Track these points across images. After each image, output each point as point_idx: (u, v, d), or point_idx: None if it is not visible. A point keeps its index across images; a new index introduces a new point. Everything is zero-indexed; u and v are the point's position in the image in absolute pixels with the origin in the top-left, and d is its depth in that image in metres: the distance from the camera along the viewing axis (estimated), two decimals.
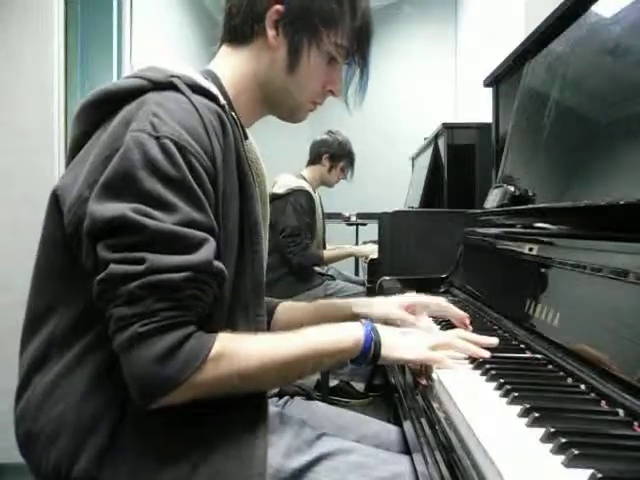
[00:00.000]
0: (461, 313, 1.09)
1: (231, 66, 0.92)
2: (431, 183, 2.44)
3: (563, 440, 0.53)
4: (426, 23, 4.77)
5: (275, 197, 2.81)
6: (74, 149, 0.84)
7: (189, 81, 0.79)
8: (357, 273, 3.83)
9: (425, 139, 2.81)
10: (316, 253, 2.87)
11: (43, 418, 0.78)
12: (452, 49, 4.33)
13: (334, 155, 2.95)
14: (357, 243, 3.97)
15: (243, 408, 0.79)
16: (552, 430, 0.56)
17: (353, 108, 1.00)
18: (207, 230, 0.73)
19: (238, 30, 0.91)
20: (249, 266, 0.83)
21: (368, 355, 0.82)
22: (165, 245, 0.69)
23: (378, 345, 0.83)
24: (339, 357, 0.83)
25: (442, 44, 4.45)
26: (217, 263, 0.74)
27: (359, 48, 0.94)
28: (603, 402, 0.67)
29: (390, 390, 1.21)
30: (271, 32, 0.88)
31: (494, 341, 0.88)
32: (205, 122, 0.76)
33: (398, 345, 0.84)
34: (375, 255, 2.51)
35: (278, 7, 0.88)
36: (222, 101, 0.82)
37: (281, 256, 2.77)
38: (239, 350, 0.74)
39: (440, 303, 1.11)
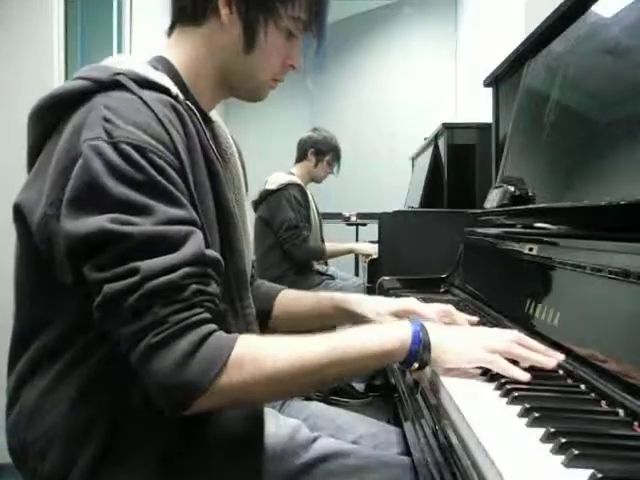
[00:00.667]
0: (471, 319, 1.02)
1: (185, 50, 0.87)
2: (431, 183, 2.44)
3: (563, 440, 0.53)
4: (426, 23, 4.77)
5: (268, 193, 2.84)
6: (31, 157, 0.81)
7: (135, 76, 0.75)
8: (357, 273, 3.83)
9: (425, 139, 2.80)
10: (317, 246, 2.89)
11: (33, 432, 0.77)
12: (452, 49, 4.33)
13: (319, 150, 3.00)
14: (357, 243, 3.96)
15: (239, 420, 0.78)
16: (552, 430, 0.56)
17: (313, 77, 0.96)
18: (189, 223, 0.71)
19: (188, 10, 0.85)
20: (228, 256, 0.80)
21: (417, 358, 0.75)
22: (153, 248, 0.67)
23: (427, 347, 0.75)
24: (383, 359, 0.76)
25: (442, 44, 4.45)
26: (209, 251, 0.72)
27: (317, 19, 0.87)
28: (603, 402, 0.67)
29: (390, 390, 1.21)
30: (224, 10, 0.83)
31: (559, 356, 0.77)
32: (159, 117, 0.72)
33: (450, 349, 0.76)
34: (375, 255, 2.51)
35: None
36: (174, 91, 0.78)
37: (280, 253, 2.78)
38: (263, 351, 0.70)
39: (446, 310, 1.01)
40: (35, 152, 0.80)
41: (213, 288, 0.72)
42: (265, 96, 0.93)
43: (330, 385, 0.87)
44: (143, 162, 0.69)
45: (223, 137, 0.99)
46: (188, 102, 0.80)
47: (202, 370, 0.66)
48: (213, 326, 0.69)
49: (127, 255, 0.66)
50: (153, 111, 0.72)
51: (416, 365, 0.76)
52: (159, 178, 0.69)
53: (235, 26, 0.84)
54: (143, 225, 0.67)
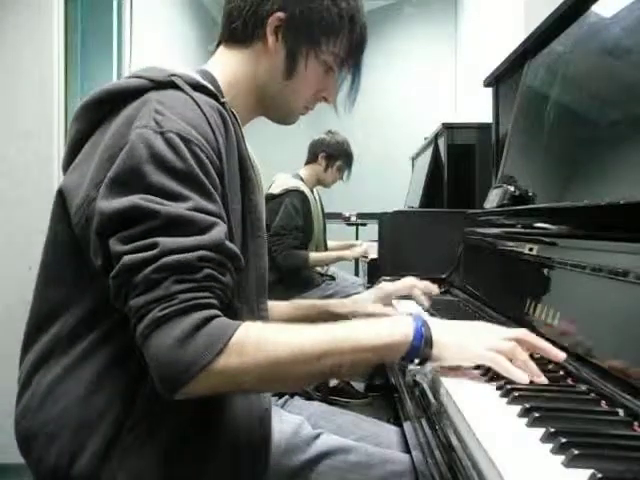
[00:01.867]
0: (430, 286, 1.17)
1: (228, 67, 0.93)
2: (431, 183, 2.44)
3: (563, 440, 0.53)
4: (426, 23, 4.78)
5: (271, 197, 2.81)
6: (74, 147, 0.84)
7: (189, 79, 0.80)
8: (357, 273, 3.83)
9: (425, 139, 2.80)
10: (300, 254, 2.79)
11: (44, 416, 0.78)
12: (452, 49, 4.33)
13: (331, 155, 2.94)
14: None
15: (245, 420, 0.79)
16: (552, 430, 0.56)
17: (343, 113, 1.02)
18: (217, 216, 0.73)
19: (238, 32, 0.92)
20: (252, 260, 0.83)
21: (418, 353, 0.75)
22: (177, 228, 0.69)
23: (429, 342, 0.75)
24: (383, 353, 0.76)
25: (442, 44, 4.45)
26: (231, 245, 0.74)
27: (354, 59, 0.95)
28: (603, 402, 0.67)
29: (390, 390, 1.21)
30: (271, 37, 0.90)
31: (561, 356, 0.76)
32: (208, 117, 0.76)
33: (452, 345, 0.76)
34: (374, 255, 2.51)
35: (280, 14, 0.89)
36: (222, 98, 0.83)
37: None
38: (267, 336, 0.71)
39: (406, 283, 1.19)
40: (78, 144, 0.83)
41: (227, 279, 0.73)
42: (295, 122, 1.01)
43: (330, 378, 0.87)
44: (186, 152, 0.72)
45: (249, 151, 1.04)
46: (233, 110, 0.85)
47: (201, 350, 0.66)
48: (217, 312, 0.70)
49: (151, 231, 0.69)
50: (203, 112, 0.77)
51: (417, 360, 0.76)
52: (198, 171, 0.72)
53: (279, 52, 0.91)
54: (172, 207, 0.70)
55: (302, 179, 2.92)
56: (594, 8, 1.12)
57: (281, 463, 0.83)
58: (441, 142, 2.36)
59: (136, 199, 0.69)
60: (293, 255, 2.75)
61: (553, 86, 1.23)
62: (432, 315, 1.15)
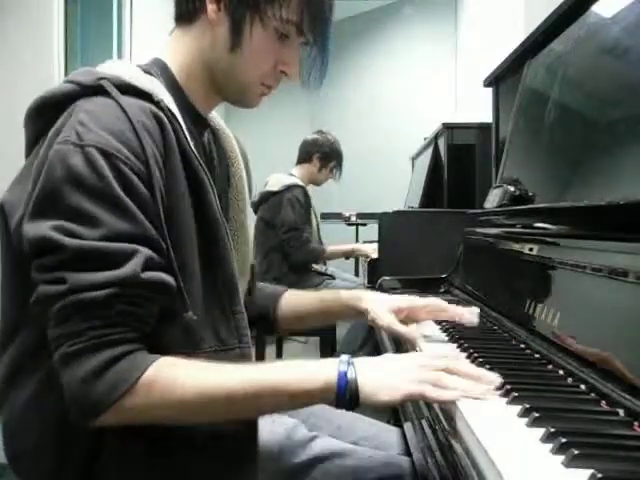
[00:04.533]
0: (459, 311, 1.01)
1: (178, 50, 0.87)
2: (431, 183, 2.44)
3: (563, 440, 0.53)
4: (426, 23, 4.77)
5: (270, 195, 2.83)
6: (27, 157, 0.82)
7: (118, 81, 0.76)
8: (357, 273, 3.83)
9: (425, 139, 2.80)
10: (318, 248, 2.88)
11: (22, 441, 0.78)
12: (452, 49, 4.33)
13: (326, 155, 2.98)
14: (357, 243, 3.96)
15: (230, 439, 0.78)
16: (552, 430, 0.56)
17: (313, 91, 0.93)
18: (137, 240, 0.70)
19: (182, 8, 0.86)
20: (215, 262, 0.81)
21: (344, 401, 0.70)
22: (87, 263, 0.67)
23: (355, 387, 0.70)
24: (303, 399, 0.73)
25: (442, 44, 4.45)
26: (150, 274, 0.70)
27: (312, 24, 0.84)
28: (603, 402, 0.67)
29: None
30: (211, 6, 0.82)
31: (495, 380, 0.71)
32: (134, 124, 0.72)
33: (380, 387, 0.70)
34: (375, 255, 2.51)
35: None
36: (157, 97, 0.78)
37: (281, 255, 2.77)
38: (175, 378, 0.70)
39: (438, 304, 1.02)
40: (28, 152, 0.82)
41: (146, 309, 0.71)
42: (255, 102, 0.90)
43: (252, 418, 0.82)
44: (106, 169, 0.69)
45: (227, 142, 0.99)
46: (170, 108, 0.79)
47: (104, 392, 0.66)
48: (132, 346, 0.69)
49: (60, 264, 0.68)
50: (129, 118, 0.72)
51: (346, 408, 0.71)
52: (117, 189, 0.69)
53: (222, 23, 0.83)
54: (84, 238, 0.68)
55: (297, 178, 2.94)
56: (594, 8, 1.12)
57: (274, 467, 0.82)
58: (441, 142, 2.36)
59: (47, 229, 0.68)
60: (311, 250, 2.80)
61: (553, 86, 1.23)
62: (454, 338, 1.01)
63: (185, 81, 0.87)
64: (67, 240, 0.67)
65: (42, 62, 2.19)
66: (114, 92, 0.75)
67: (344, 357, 0.73)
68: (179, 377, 0.70)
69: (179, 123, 0.80)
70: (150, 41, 3.17)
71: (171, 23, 0.91)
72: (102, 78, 0.76)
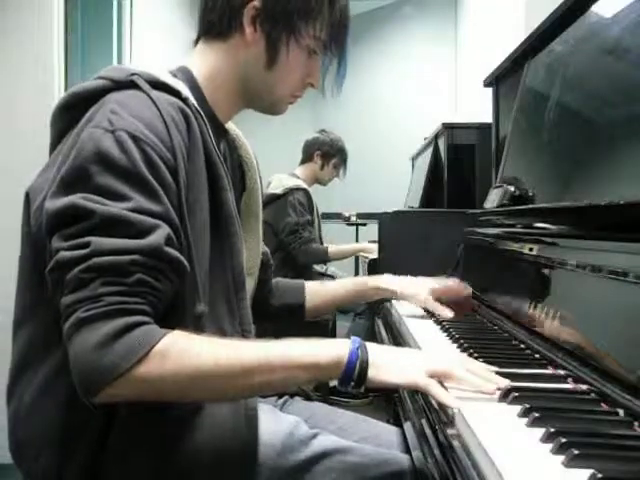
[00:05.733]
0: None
1: (207, 62, 0.91)
2: (431, 183, 2.43)
3: (563, 440, 0.53)
4: (426, 23, 4.77)
5: (274, 197, 2.83)
6: (51, 151, 0.84)
7: (149, 77, 0.80)
8: (357, 273, 3.83)
9: (425, 139, 2.80)
10: (321, 248, 2.89)
11: (29, 432, 0.78)
12: (452, 49, 4.33)
13: (326, 152, 2.98)
14: (357, 243, 3.96)
15: (230, 437, 0.78)
16: (552, 430, 0.56)
17: (331, 98, 0.99)
18: (161, 218, 0.72)
19: (215, 25, 0.90)
20: (227, 255, 0.83)
21: (352, 375, 0.73)
22: (114, 229, 0.68)
23: (364, 365, 0.73)
24: (315, 373, 0.74)
25: (442, 44, 4.45)
26: (170, 250, 0.71)
27: (337, 40, 0.92)
28: (603, 402, 0.67)
29: (390, 390, 1.21)
30: (249, 28, 0.87)
31: (502, 383, 0.72)
32: (164, 115, 0.75)
33: (389, 367, 0.74)
34: (375, 255, 2.51)
35: (256, 3, 0.87)
36: (184, 94, 0.81)
37: (283, 257, 2.78)
38: (190, 348, 0.70)
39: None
40: (55, 146, 0.83)
41: (162, 285, 0.71)
42: (283, 111, 0.97)
43: (260, 393, 0.86)
44: (134, 150, 0.71)
45: (243, 149, 1.05)
46: (196, 105, 0.83)
47: (120, 356, 0.65)
48: (146, 319, 0.69)
49: (87, 230, 0.68)
50: (159, 109, 0.76)
51: (352, 384, 0.73)
52: (145, 171, 0.71)
53: (258, 43, 0.88)
54: (112, 207, 0.69)
55: (299, 178, 2.94)
56: (594, 8, 1.12)
57: (277, 463, 0.82)
58: (441, 142, 2.36)
59: (76, 198, 0.69)
60: (313, 249, 2.81)
61: (553, 86, 1.23)
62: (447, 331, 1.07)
63: (210, 91, 0.90)
64: (96, 206, 0.68)
65: (42, 62, 2.19)
66: (145, 86, 0.78)
67: (356, 338, 0.77)
68: (194, 347, 0.70)
69: (204, 121, 0.83)
70: (150, 43, 3.18)
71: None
72: (134, 74, 0.79)
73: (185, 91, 0.83)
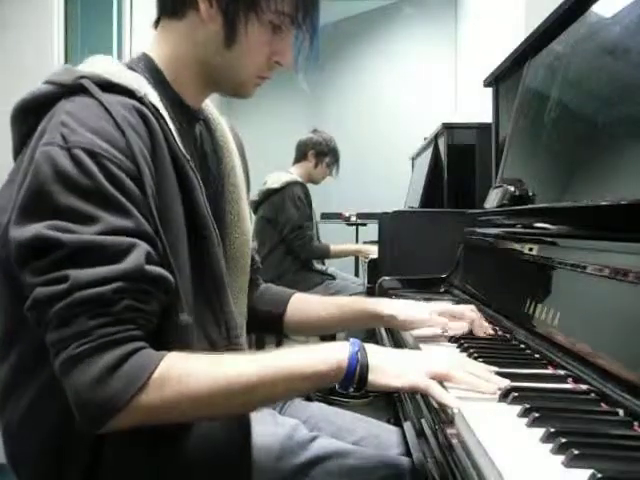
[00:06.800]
0: (485, 325, 1.03)
1: (167, 45, 0.85)
2: (431, 183, 2.43)
3: (563, 440, 0.53)
4: (426, 23, 4.77)
5: (271, 192, 2.86)
6: (15, 158, 0.80)
7: (99, 79, 0.74)
8: (357, 273, 3.83)
9: (425, 139, 2.80)
10: (323, 246, 2.93)
11: (21, 447, 0.77)
12: (452, 49, 4.33)
13: (320, 152, 3.03)
14: (357, 243, 3.96)
15: (225, 444, 0.77)
16: (552, 430, 0.56)
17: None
18: (135, 235, 0.68)
19: (169, 4, 0.84)
20: (206, 261, 0.80)
21: (353, 380, 0.72)
22: (88, 257, 0.65)
23: (365, 369, 0.72)
24: (316, 381, 0.73)
25: (442, 44, 4.45)
26: (152, 268, 0.69)
27: (305, 13, 0.83)
28: (603, 402, 0.67)
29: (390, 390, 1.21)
30: (203, 4, 0.80)
31: (502, 383, 0.72)
32: (118, 122, 0.71)
33: (389, 370, 0.73)
34: (375, 255, 2.51)
35: None
36: (139, 93, 0.76)
37: (284, 253, 2.79)
38: (189, 370, 0.68)
39: (465, 312, 1.03)
40: (16, 156, 0.79)
41: (151, 306, 0.69)
42: (251, 93, 0.90)
43: (264, 407, 0.86)
44: (95, 169, 0.67)
45: (218, 131, 0.97)
46: (154, 103, 0.77)
47: (120, 388, 0.64)
48: (140, 344, 0.67)
49: (59, 262, 0.65)
50: (112, 116, 0.71)
51: (352, 387, 0.72)
52: (108, 186, 0.68)
53: (215, 20, 0.81)
54: (81, 233, 0.66)
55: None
56: (594, 8, 1.12)
57: (275, 467, 0.82)
58: (441, 142, 2.36)
59: (41, 228, 0.65)
60: (317, 248, 2.86)
61: (553, 86, 1.23)
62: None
63: (173, 75, 0.85)
64: (64, 236, 0.65)
65: (42, 62, 2.19)
66: (94, 90, 0.73)
67: (355, 340, 0.75)
68: (192, 369, 0.69)
69: (163, 118, 0.78)
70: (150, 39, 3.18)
71: None
72: (82, 77, 0.74)
73: (142, 88, 0.77)
